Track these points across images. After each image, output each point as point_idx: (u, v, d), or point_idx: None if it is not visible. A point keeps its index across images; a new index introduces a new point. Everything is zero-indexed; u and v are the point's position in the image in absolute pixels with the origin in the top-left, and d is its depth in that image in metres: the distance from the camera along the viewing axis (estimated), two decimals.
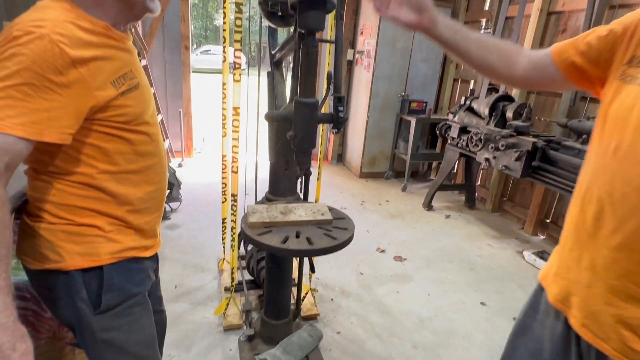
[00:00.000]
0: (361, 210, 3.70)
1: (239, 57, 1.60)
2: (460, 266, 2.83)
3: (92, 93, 0.76)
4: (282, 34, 1.78)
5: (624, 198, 0.67)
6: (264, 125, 1.54)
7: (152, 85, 4.10)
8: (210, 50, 18.69)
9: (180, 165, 4.49)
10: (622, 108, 0.69)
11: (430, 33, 0.90)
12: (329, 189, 4.17)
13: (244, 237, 1.30)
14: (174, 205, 3.30)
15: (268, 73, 1.49)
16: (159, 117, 4.22)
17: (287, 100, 1.61)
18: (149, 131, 0.91)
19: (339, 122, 1.27)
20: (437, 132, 3.90)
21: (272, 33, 1.72)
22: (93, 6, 0.81)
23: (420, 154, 4.39)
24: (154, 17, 3.99)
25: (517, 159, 2.82)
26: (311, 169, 1.39)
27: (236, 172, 1.69)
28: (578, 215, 0.77)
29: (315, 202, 2.07)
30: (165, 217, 3.14)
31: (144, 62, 3.91)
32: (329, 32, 1.85)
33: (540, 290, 0.90)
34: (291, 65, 1.47)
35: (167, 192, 3.24)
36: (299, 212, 1.38)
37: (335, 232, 1.29)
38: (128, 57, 0.88)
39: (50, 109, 0.71)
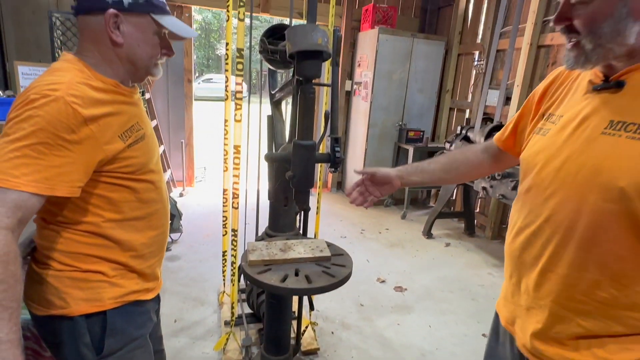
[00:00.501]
0: (361, 239, 3.71)
1: (240, 84, 1.66)
2: (461, 296, 2.82)
3: (101, 147, 0.81)
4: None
5: (539, 230, 0.78)
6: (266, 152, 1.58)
7: (155, 118, 4.20)
8: (212, 79, 19.10)
9: (181, 195, 4.53)
10: (530, 153, 0.84)
11: (405, 185, 1.19)
12: (329, 217, 4.19)
13: (244, 275, 1.32)
14: (174, 236, 3.32)
15: (268, 117, 1.56)
16: (161, 149, 4.29)
17: (287, 138, 1.66)
18: (153, 179, 0.95)
19: (335, 162, 1.32)
20: None
21: (272, 74, 1.80)
22: (104, 65, 0.88)
23: None
24: None
25: (514, 188, 2.86)
26: (310, 205, 1.43)
27: (236, 208, 1.73)
28: (510, 245, 0.87)
29: (315, 236, 2.10)
30: (166, 249, 3.15)
31: (147, 96, 4.03)
32: (326, 75, 1.93)
33: (497, 315, 0.99)
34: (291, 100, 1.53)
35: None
36: (298, 249, 1.41)
37: (333, 270, 1.31)
38: (135, 110, 0.94)
39: (62, 165, 0.76)
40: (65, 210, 0.84)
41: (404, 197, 4.41)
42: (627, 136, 0.66)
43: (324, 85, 1.38)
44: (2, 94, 2.97)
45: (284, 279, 1.23)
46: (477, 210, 4.23)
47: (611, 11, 0.65)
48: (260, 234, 1.81)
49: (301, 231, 1.77)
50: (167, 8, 0.92)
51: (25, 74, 2.97)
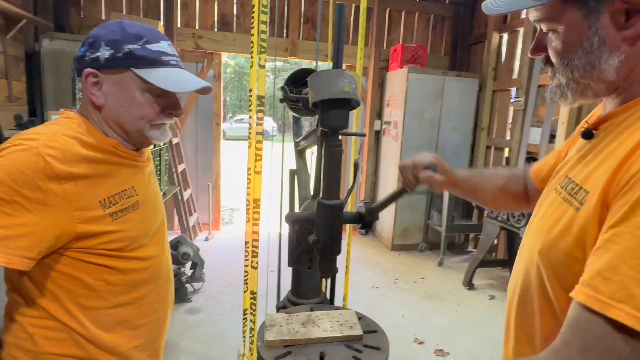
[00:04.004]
0: (395, 290, 3.41)
1: (261, 121, 1.52)
2: None
3: (72, 212, 0.67)
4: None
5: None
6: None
7: (182, 161, 4.21)
8: (244, 119, 19.69)
9: (207, 239, 4.43)
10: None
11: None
12: (359, 263, 3.93)
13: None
14: (196, 285, 3.16)
15: (290, 170, 1.41)
16: (188, 192, 4.25)
17: (311, 191, 1.50)
18: (146, 255, 0.79)
19: (367, 222, 1.14)
20: (474, 204, 3.68)
21: (297, 121, 1.67)
22: (105, 125, 0.77)
23: (455, 225, 4.12)
24: (189, 98, 4.20)
25: None
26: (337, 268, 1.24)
27: (255, 268, 1.56)
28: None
29: (343, 301, 1.87)
30: (187, 299, 2.99)
31: (176, 140, 4.05)
32: (354, 120, 1.79)
33: None
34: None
35: (191, 271, 3.13)
36: (324, 325, 1.20)
37: (366, 354, 1.09)
38: (131, 173, 0.80)
39: (11, 227, 0.62)
40: (31, 296, 0.70)
41: (440, 242, 4.09)
42: (562, 197, 0.60)
43: (356, 134, 1.22)
44: None
45: None
46: None
47: (580, 40, 0.55)
48: (282, 297, 1.61)
49: (328, 295, 1.56)
50: (163, 58, 0.78)
51: None
